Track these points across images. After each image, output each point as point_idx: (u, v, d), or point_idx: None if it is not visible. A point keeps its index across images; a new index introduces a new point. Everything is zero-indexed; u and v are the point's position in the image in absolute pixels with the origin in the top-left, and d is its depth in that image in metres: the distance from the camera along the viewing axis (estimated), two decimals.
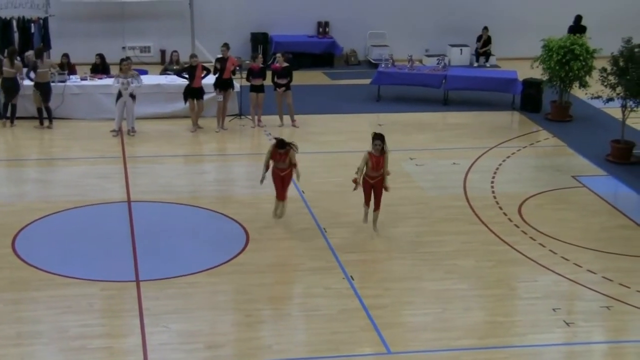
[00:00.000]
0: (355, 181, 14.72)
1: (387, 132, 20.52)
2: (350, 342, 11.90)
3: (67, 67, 21.50)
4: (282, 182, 15.10)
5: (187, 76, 20.10)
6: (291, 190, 15.86)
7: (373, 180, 14.69)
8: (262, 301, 12.99)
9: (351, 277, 13.58)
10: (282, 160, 14.94)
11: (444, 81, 23.03)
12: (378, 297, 13.03)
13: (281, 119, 20.74)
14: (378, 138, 14.72)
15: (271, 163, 15.06)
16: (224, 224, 15.40)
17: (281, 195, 15.18)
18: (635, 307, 12.97)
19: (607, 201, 16.84)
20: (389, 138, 20.00)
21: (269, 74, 20.63)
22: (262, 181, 15.11)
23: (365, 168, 14.71)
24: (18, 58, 20.99)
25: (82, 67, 22.31)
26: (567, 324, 12.47)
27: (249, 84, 20.42)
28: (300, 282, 13.54)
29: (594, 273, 13.90)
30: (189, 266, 13.74)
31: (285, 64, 20.51)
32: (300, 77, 21.40)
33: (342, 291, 13.17)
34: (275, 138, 15.38)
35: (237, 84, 20.82)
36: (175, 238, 14.84)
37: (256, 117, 20.71)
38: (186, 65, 20.62)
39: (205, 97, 20.42)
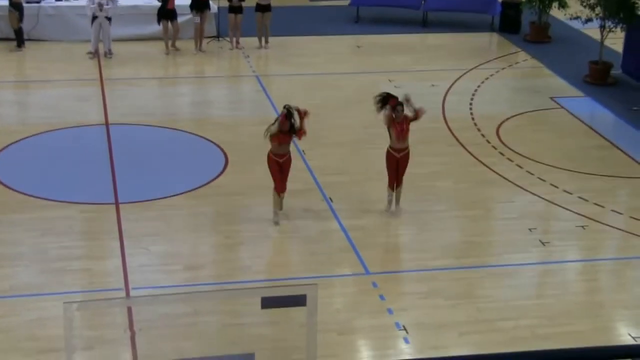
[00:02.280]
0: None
1: (366, 54, 20.62)
2: (329, 263, 12.04)
3: None
4: (280, 170, 12.79)
5: None
6: (272, 115, 15.84)
7: (399, 154, 13.09)
8: (241, 223, 13.07)
9: (330, 198, 13.66)
10: (285, 142, 12.72)
11: (423, 2, 22.86)
12: (356, 219, 13.13)
13: (260, 41, 20.57)
14: (399, 104, 12.81)
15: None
16: (203, 147, 15.40)
17: (281, 186, 12.81)
18: (609, 225, 13.16)
19: (583, 122, 16.93)
20: (367, 60, 20.13)
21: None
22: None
23: (389, 140, 13.01)
24: None
25: None
26: (543, 243, 12.64)
27: (227, 4, 20.17)
28: None
29: (570, 193, 14.05)
30: (168, 188, 13.77)
31: None
32: None
33: (321, 213, 13.27)
34: (286, 110, 12.61)
35: (214, 5, 20.58)
36: (154, 160, 14.84)
37: (234, 39, 20.53)
38: None
39: (182, 18, 20.19)
